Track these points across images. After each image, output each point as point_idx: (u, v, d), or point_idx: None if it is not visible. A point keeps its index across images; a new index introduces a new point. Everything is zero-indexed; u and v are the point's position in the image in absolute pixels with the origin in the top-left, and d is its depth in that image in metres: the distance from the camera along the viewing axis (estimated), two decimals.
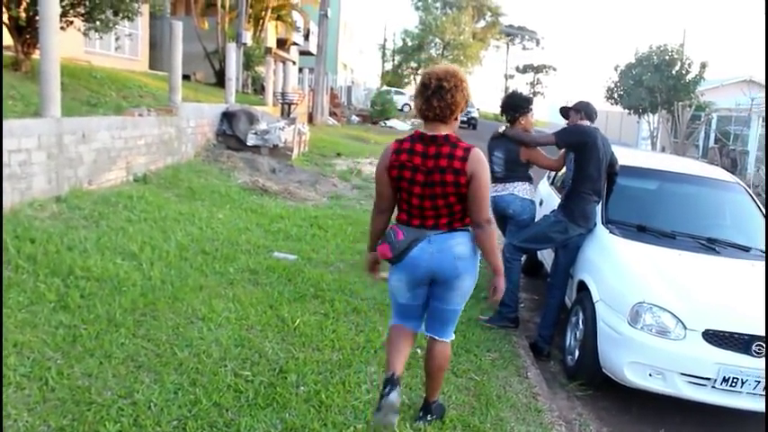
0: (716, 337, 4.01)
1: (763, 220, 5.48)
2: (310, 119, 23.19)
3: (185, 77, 19.04)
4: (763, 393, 4.01)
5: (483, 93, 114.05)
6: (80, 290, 4.42)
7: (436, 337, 3.37)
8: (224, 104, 12.61)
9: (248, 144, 11.74)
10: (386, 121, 32.55)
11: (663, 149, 25.51)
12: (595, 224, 5.09)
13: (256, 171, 10.69)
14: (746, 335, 4.01)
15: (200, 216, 7.05)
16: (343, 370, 3.94)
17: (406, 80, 49.32)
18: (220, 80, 17.44)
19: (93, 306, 4.22)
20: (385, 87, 42.60)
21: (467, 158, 3.02)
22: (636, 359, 4.11)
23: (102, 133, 7.35)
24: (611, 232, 5.01)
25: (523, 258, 5.91)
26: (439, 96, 3.02)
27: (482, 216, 3.08)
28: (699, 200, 5.68)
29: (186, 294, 4.72)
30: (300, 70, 30.72)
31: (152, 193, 7.60)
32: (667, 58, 26.41)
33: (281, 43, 29.27)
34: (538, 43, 70.91)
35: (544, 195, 6.80)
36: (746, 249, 5.06)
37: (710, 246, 4.94)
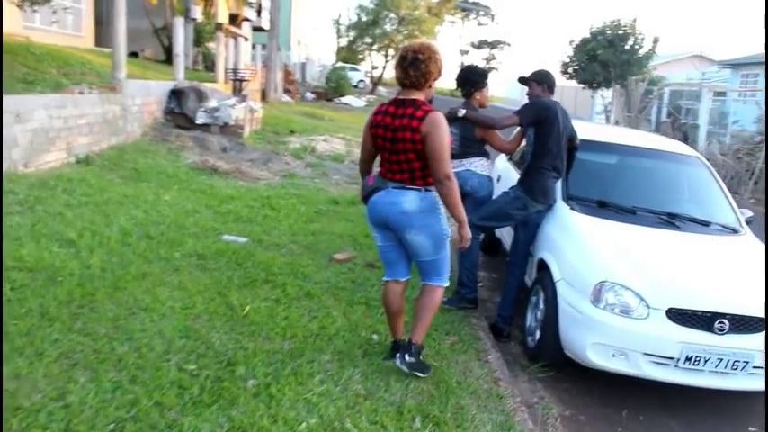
0: (679, 316, 3.92)
1: (721, 194, 5.43)
2: (263, 96, 22.68)
3: (133, 55, 18.42)
4: (725, 371, 3.95)
5: None
6: (10, 282, 4.11)
7: (423, 281, 3.83)
8: (172, 82, 12.15)
9: (198, 122, 11.33)
10: (341, 98, 32.09)
11: (617, 123, 25.65)
12: (555, 200, 4.95)
13: (206, 150, 10.34)
14: (709, 312, 3.93)
15: (146, 198, 6.73)
16: (295, 360, 3.73)
17: (361, 56, 48.64)
18: (170, 57, 16.84)
19: (24, 299, 3.92)
20: (340, 64, 41.96)
21: (423, 119, 3.41)
22: (599, 340, 3.99)
23: (38, 112, 6.95)
24: (571, 208, 4.88)
25: (481, 236, 5.75)
26: (415, 67, 3.45)
27: (440, 172, 3.42)
28: (659, 174, 5.57)
29: (128, 283, 4.44)
30: (253, 47, 30.00)
31: (94, 175, 7.24)
32: (621, 32, 26.52)
33: (233, 19, 28.48)
34: (492, 19, 70.89)
35: (502, 171, 6.65)
36: (706, 224, 4.99)
37: (671, 221, 4.85)
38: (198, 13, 20.46)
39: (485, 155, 5.40)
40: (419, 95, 3.53)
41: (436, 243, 3.64)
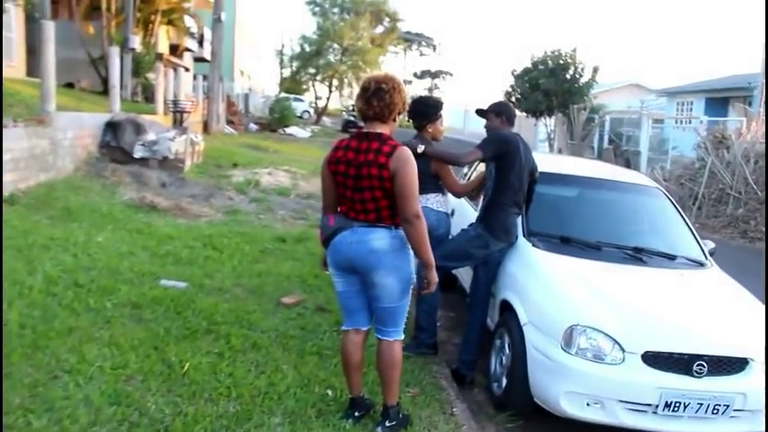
0: (656, 359, 3.68)
1: (684, 226, 5.27)
2: (206, 128, 22.10)
3: (69, 85, 17.72)
4: (705, 416, 3.72)
5: None
6: None
7: (378, 336, 3.49)
8: (108, 113, 11.60)
9: (135, 156, 10.80)
10: (285, 129, 31.70)
11: (560, 151, 26.01)
12: (517, 237, 4.69)
13: (144, 186, 9.82)
14: (687, 354, 3.70)
15: (76, 241, 6.20)
16: (241, 425, 3.33)
17: (305, 86, 48.36)
18: (107, 88, 16.24)
19: None
20: (283, 94, 41.63)
21: (391, 155, 3.20)
22: (572, 388, 3.71)
23: None
24: (534, 245, 4.62)
25: None
26: (378, 97, 3.26)
27: (408, 211, 3.20)
28: (620, 207, 5.39)
29: (51, 341, 3.95)
30: (195, 77, 29.46)
31: (18, 215, 6.68)
32: (561, 62, 26.95)
33: (174, 49, 28.04)
34: (434, 49, 71.82)
35: (455, 204, 6.35)
36: (672, 258, 4.80)
37: (637, 256, 4.64)
38: (137, 42, 19.93)
39: (440, 190, 5.10)
40: (384, 129, 3.33)
41: (404, 288, 3.38)
